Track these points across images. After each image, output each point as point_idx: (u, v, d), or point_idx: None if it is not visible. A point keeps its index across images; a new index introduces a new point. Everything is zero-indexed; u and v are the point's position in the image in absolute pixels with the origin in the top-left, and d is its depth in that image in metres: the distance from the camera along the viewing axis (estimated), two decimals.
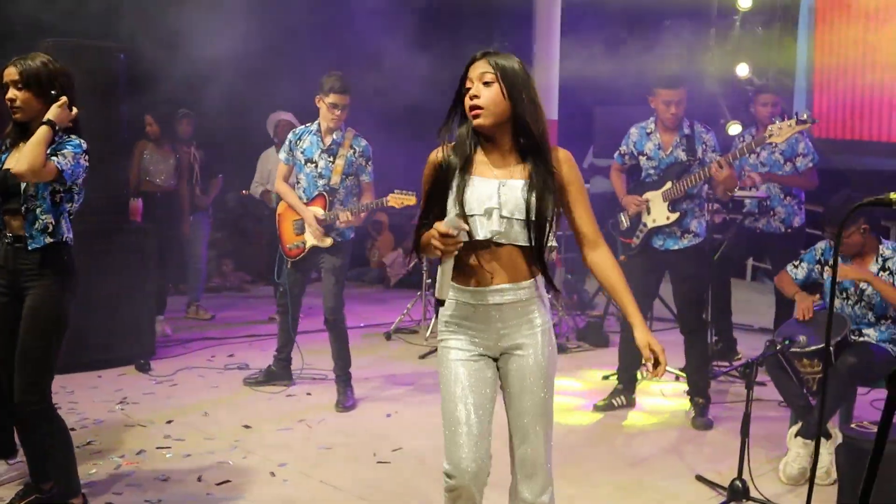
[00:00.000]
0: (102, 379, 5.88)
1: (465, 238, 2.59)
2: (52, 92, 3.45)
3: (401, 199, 5.20)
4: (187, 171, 7.69)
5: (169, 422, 5.03)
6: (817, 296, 4.78)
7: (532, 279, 2.71)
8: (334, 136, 5.30)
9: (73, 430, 4.19)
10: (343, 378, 5.41)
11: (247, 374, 6.00)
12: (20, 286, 3.49)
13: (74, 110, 3.51)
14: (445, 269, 2.60)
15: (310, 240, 5.34)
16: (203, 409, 5.27)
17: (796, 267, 4.87)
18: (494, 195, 2.64)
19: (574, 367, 6.54)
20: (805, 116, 4.90)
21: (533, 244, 2.65)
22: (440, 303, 2.72)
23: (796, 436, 4.34)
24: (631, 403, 5.49)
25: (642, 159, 5.31)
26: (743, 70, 7.96)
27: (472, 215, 2.63)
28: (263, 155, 8.18)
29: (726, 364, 6.28)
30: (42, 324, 3.47)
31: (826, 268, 4.71)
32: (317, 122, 5.38)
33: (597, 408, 5.44)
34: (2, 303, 3.54)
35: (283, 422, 5.06)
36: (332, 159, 5.30)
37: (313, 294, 6.47)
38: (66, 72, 3.54)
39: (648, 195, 5.25)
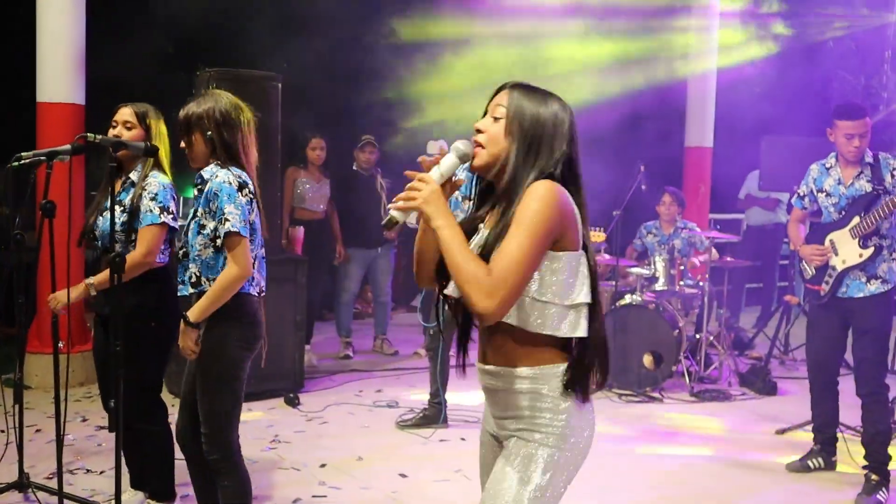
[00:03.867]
0: (253, 412, 5.80)
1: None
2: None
3: None
4: (375, 201, 7.45)
5: (322, 465, 4.86)
6: None
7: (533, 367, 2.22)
8: None
9: None
10: None
11: (396, 412, 5.86)
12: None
13: None
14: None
15: None
16: (356, 453, 5.08)
17: None
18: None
19: (743, 418, 6.10)
20: None
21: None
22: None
23: None
24: (830, 466, 4.95)
25: (821, 196, 4.80)
26: None
27: None
28: None
29: None
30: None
31: None
32: None
33: (789, 468, 4.98)
34: None
35: (440, 472, 4.83)
36: None
37: None
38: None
39: (832, 236, 4.71)
